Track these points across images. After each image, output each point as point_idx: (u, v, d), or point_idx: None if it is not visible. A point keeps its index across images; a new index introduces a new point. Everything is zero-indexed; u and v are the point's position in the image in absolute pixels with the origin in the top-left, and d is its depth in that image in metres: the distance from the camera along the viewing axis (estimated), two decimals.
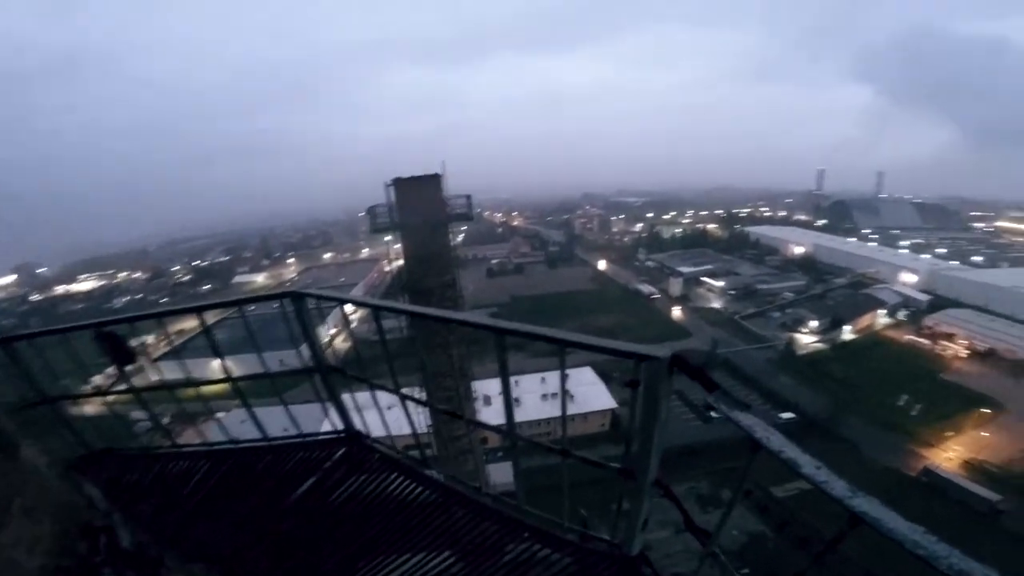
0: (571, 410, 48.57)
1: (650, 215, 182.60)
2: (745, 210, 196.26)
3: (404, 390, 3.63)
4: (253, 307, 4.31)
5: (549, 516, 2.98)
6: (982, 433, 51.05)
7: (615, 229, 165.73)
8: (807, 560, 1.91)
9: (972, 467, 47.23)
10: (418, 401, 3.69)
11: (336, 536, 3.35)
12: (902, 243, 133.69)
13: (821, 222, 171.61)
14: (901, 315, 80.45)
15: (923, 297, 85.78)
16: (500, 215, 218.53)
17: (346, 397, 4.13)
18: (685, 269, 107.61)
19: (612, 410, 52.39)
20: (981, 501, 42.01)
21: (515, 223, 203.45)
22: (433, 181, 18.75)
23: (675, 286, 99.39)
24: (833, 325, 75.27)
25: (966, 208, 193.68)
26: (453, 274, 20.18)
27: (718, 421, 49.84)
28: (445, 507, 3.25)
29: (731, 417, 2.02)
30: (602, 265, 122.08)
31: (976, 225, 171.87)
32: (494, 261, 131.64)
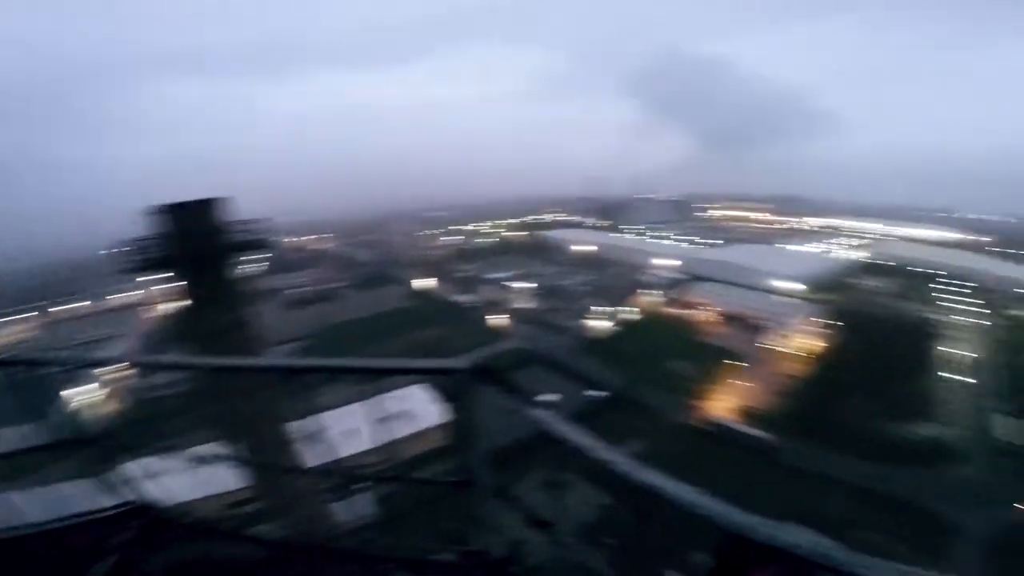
0: (408, 429, 47.37)
1: (460, 227, 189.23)
2: (542, 216, 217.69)
3: (204, 447, 3.25)
4: None
5: (412, 541, 2.92)
6: (742, 383, 63.76)
7: (428, 243, 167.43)
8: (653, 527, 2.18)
9: (744, 413, 57.48)
10: (217, 458, 3.37)
11: None
12: (658, 234, 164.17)
13: (602, 222, 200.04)
14: (665, 293, 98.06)
15: (678, 276, 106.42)
16: (304, 239, 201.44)
17: (134, 466, 3.57)
18: (495, 276, 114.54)
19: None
20: (760, 442, 50.44)
21: (322, 246, 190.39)
22: (214, 206, 16.44)
23: (488, 293, 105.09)
24: (619, 309, 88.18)
25: (698, 200, 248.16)
26: (247, 310, 17.98)
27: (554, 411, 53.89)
28: (285, 564, 2.98)
29: (527, 415, 2.16)
30: (418, 281, 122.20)
31: (705, 215, 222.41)
32: (300, 290, 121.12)
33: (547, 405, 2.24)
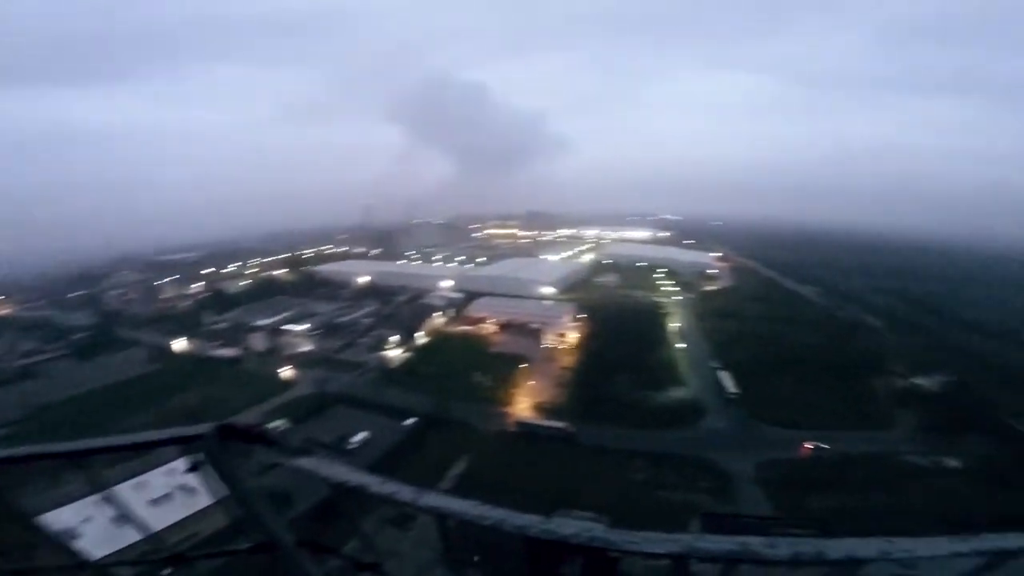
0: (202, 503, 39.21)
1: (209, 271, 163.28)
2: (310, 250, 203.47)
3: None
4: None
5: None
6: (530, 383, 70.25)
7: (167, 294, 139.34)
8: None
9: (540, 409, 62.95)
10: None
11: None
12: (435, 258, 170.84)
13: (376, 251, 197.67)
14: (450, 313, 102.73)
15: (459, 296, 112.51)
16: None
17: None
18: (264, 322, 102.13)
19: None
20: (560, 432, 55.52)
21: (5, 312, 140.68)
22: None
23: (258, 341, 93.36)
24: (409, 335, 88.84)
25: (467, 222, 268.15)
26: None
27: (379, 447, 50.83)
28: None
29: (292, 466, 2.08)
30: (162, 340, 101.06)
31: (475, 235, 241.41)
32: None
33: (322, 448, 2.47)
